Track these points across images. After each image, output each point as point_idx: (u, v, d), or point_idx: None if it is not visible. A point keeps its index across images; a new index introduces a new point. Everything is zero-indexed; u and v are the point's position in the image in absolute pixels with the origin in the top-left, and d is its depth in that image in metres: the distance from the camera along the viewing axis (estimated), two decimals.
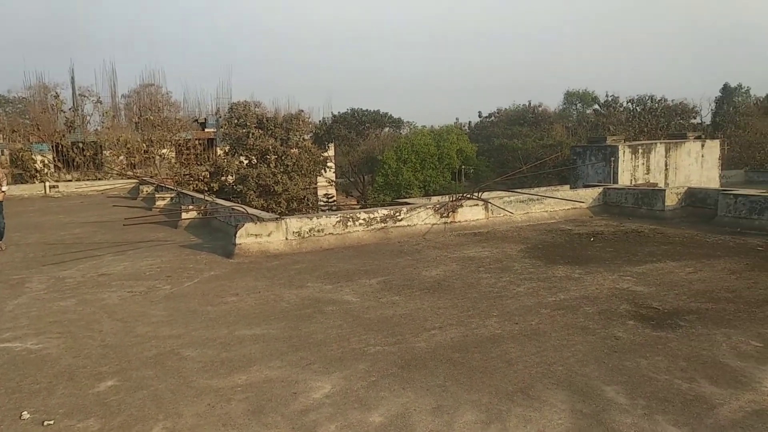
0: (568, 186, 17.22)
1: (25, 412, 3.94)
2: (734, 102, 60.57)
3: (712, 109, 60.41)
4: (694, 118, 54.10)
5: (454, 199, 11.13)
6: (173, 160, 27.01)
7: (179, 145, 28.16)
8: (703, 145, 19.10)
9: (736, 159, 47.42)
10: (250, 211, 10.05)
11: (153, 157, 26.68)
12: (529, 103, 56.01)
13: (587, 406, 3.82)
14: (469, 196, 11.42)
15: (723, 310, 5.80)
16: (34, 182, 24.29)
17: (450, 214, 10.83)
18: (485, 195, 11.91)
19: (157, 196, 16.93)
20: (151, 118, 28.08)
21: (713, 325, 5.36)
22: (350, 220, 9.76)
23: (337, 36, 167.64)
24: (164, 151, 26.88)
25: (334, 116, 42.04)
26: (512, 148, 45.74)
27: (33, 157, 26.34)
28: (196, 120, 35.30)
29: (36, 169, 25.98)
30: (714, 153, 19.58)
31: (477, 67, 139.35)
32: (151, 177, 23.80)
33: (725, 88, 61.50)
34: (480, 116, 58.82)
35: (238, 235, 8.90)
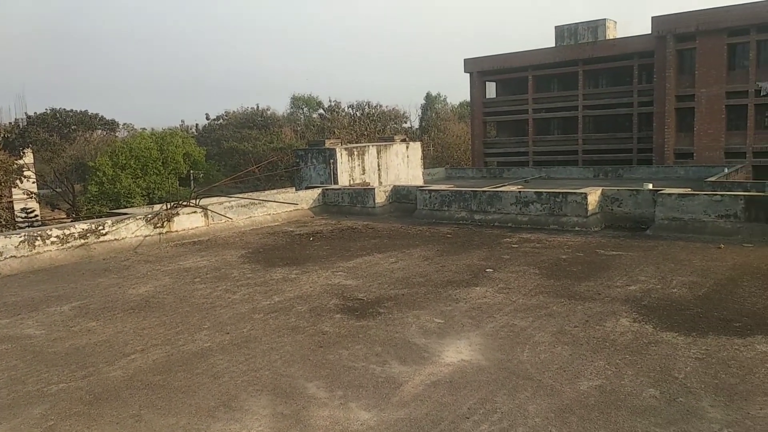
0: (294, 188, 17.65)
1: None
2: (435, 109, 70.20)
3: (419, 115, 69.18)
4: (405, 122, 61.31)
5: (168, 207, 10.42)
6: None
7: None
8: (407, 147, 21.46)
9: (439, 158, 55.00)
10: None
11: None
12: (258, 107, 56.37)
13: (288, 407, 3.84)
14: (185, 203, 10.84)
15: (416, 294, 6.50)
16: None
17: (165, 223, 10.11)
18: (205, 201, 11.45)
19: None
20: None
21: (407, 308, 5.95)
22: (39, 238, 8.36)
23: (35, 31, 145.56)
24: None
25: (30, 117, 36.02)
26: (243, 151, 45.51)
27: None
28: None
29: None
30: (417, 153, 22.15)
31: (201, 67, 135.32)
32: None
33: (428, 97, 70.87)
34: (208, 119, 57.03)
35: None
